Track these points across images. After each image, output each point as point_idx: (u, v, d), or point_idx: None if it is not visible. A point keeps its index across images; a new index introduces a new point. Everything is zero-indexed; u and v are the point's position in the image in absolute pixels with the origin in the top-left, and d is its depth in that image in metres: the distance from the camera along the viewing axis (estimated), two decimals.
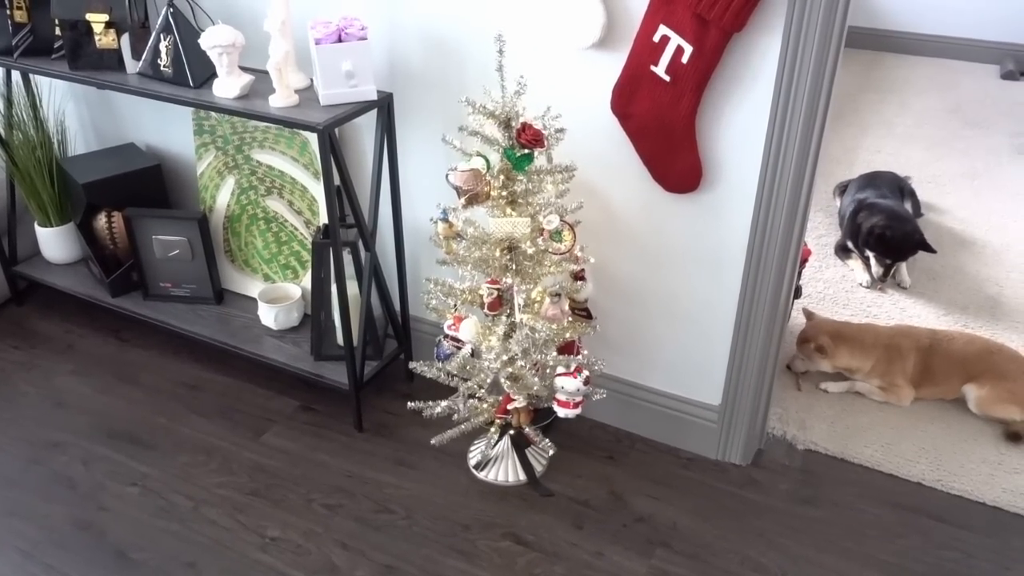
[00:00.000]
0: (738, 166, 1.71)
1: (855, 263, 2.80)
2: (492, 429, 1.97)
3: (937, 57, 4.79)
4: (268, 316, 2.28)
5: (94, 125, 2.64)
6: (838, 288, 2.74)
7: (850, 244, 2.80)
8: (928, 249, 2.63)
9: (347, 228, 2.08)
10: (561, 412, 1.83)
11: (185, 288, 2.41)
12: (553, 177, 1.70)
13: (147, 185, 2.43)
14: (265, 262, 2.39)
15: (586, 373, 1.80)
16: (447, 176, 1.68)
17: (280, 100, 1.83)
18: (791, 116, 1.60)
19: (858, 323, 2.36)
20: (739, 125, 1.67)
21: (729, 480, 2.01)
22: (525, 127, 1.62)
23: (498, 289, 1.76)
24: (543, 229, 1.72)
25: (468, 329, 1.78)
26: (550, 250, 1.71)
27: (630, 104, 1.71)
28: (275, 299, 2.33)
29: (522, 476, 1.99)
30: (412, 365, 1.91)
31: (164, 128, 2.48)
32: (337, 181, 1.89)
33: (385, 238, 2.21)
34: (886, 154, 3.65)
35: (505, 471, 1.99)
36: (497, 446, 2.00)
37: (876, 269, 2.67)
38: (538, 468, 2.01)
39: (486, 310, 1.78)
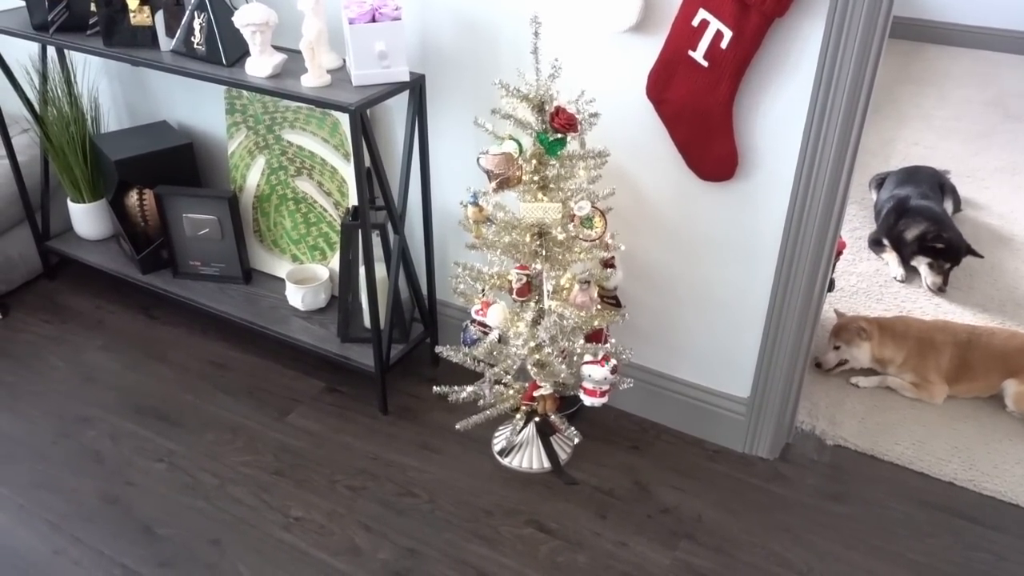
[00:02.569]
0: (775, 155, 1.67)
1: (889, 256, 2.75)
2: (517, 416, 1.96)
3: (977, 48, 4.68)
4: (296, 297, 2.28)
5: (127, 102, 2.65)
6: (871, 282, 2.69)
7: (885, 240, 2.75)
8: (975, 254, 2.57)
9: (376, 210, 2.08)
10: (588, 400, 1.81)
11: (214, 267, 2.42)
12: (585, 163, 1.68)
13: (178, 163, 2.43)
14: (293, 243, 2.39)
15: (613, 362, 1.78)
16: (478, 159, 1.66)
17: (312, 80, 1.82)
18: (832, 105, 1.57)
19: (897, 316, 2.32)
20: (777, 113, 1.63)
21: (756, 474, 1.98)
22: (559, 111, 1.60)
23: (527, 275, 1.74)
24: (574, 215, 1.70)
25: (496, 315, 1.77)
26: (580, 236, 1.69)
27: (666, 89, 1.68)
28: (303, 280, 2.33)
29: (546, 464, 1.98)
30: (438, 349, 1.90)
31: (196, 106, 2.49)
32: (368, 163, 1.88)
33: (414, 221, 2.20)
34: (923, 147, 3.58)
35: (529, 458, 1.98)
36: (522, 433, 1.99)
37: (935, 279, 2.60)
38: (563, 456, 2.00)
39: (514, 296, 1.76)
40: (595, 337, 1.86)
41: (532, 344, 1.76)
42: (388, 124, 2.13)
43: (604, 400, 1.81)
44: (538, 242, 1.71)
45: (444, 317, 2.30)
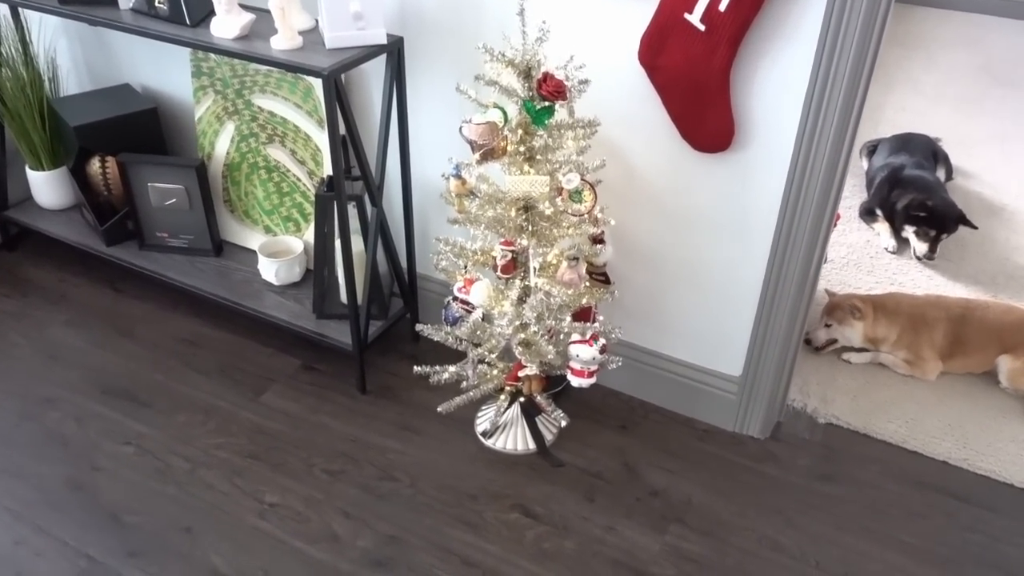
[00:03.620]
0: (774, 126, 1.59)
1: (881, 227, 2.69)
2: (501, 396, 1.89)
3: (965, 11, 4.60)
4: (269, 271, 2.18)
5: (87, 64, 2.51)
6: (862, 254, 2.63)
7: (878, 210, 2.69)
8: (969, 224, 2.52)
9: (352, 181, 1.97)
10: (575, 381, 1.74)
11: (182, 239, 2.31)
12: (575, 132, 1.59)
13: (143, 129, 2.31)
14: (266, 214, 2.29)
15: (602, 341, 1.71)
16: (461, 129, 1.57)
17: (282, 42, 1.70)
18: (835, 72, 1.48)
19: (884, 292, 2.26)
20: (777, 81, 1.55)
21: (747, 454, 1.93)
22: (547, 77, 1.50)
23: (512, 251, 1.65)
24: (562, 188, 1.61)
25: (479, 292, 1.69)
26: (569, 211, 1.61)
27: (659, 55, 1.59)
28: (276, 253, 2.23)
29: (532, 445, 1.91)
30: (419, 327, 1.82)
31: (161, 69, 2.35)
32: (343, 131, 1.77)
33: (393, 193, 2.10)
34: (912, 113, 3.51)
35: (514, 439, 1.92)
36: (506, 413, 1.92)
37: (921, 247, 2.55)
38: (548, 437, 1.94)
39: (499, 273, 1.68)
40: (583, 315, 1.79)
41: (517, 323, 1.68)
42: (365, 89, 2.02)
43: (592, 381, 1.74)
44: (524, 216, 1.63)
45: (425, 292, 2.21)
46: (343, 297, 2.08)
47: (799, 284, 1.73)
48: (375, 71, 1.95)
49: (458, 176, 1.60)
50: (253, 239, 2.32)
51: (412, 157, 2.03)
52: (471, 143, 1.55)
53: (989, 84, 3.79)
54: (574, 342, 1.71)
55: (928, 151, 2.82)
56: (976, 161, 3.15)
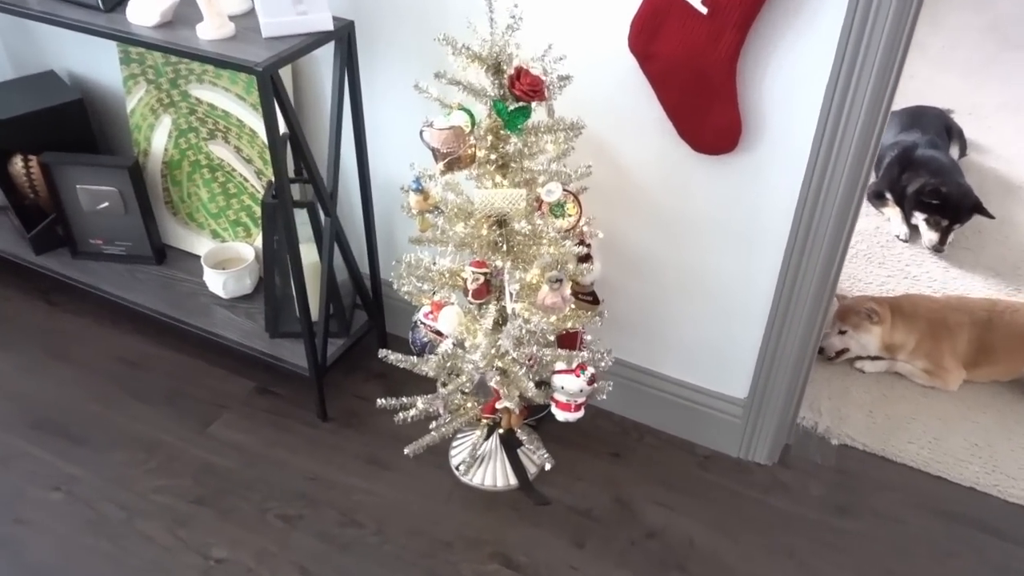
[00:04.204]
0: (788, 122, 1.36)
1: (892, 211, 2.47)
2: (477, 431, 1.68)
3: None
4: (216, 283, 1.94)
5: (7, 48, 2.23)
6: (872, 242, 2.42)
7: (888, 194, 2.47)
8: (986, 213, 2.30)
9: (303, 183, 1.73)
10: (560, 415, 1.53)
11: (119, 245, 2.07)
12: (555, 136, 1.35)
13: (69, 123, 2.04)
14: (212, 217, 2.04)
15: (591, 371, 1.50)
16: (421, 134, 1.33)
17: (210, 31, 1.45)
18: (864, 59, 1.25)
19: (898, 290, 2.05)
20: (792, 71, 1.31)
21: (753, 483, 1.73)
22: (520, 73, 1.26)
23: (485, 273, 1.43)
24: (541, 201, 1.38)
25: (449, 319, 1.46)
26: (550, 230, 1.38)
27: (654, 41, 1.34)
28: (224, 262, 1.99)
29: (513, 480, 1.70)
30: (382, 353, 1.59)
31: (89, 53, 2.08)
32: (285, 129, 1.53)
33: (351, 194, 1.86)
34: (919, 80, 3.27)
35: (493, 474, 1.71)
36: (484, 445, 1.71)
37: (931, 236, 2.33)
38: (531, 469, 1.73)
39: (470, 298, 1.45)
40: (568, 340, 1.57)
41: (492, 352, 1.46)
42: (316, 80, 1.77)
43: (579, 415, 1.53)
44: (498, 232, 1.39)
45: (393, 302, 1.98)
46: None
47: (816, 296, 1.51)
48: (329, 57, 1.69)
49: (420, 190, 1.37)
50: (199, 244, 2.08)
51: (372, 155, 1.78)
52: (434, 151, 1.32)
53: (998, 47, 3.55)
54: (558, 372, 1.50)
55: (941, 126, 2.59)
56: (989, 134, 2.92)
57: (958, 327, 1.90)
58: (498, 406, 1.59)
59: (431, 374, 1.48)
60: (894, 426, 1.84)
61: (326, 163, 1.67)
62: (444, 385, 1.51)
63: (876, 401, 1.90)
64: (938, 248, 2.31)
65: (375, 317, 1.93)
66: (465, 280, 1.44)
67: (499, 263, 1.41)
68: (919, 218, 2.36)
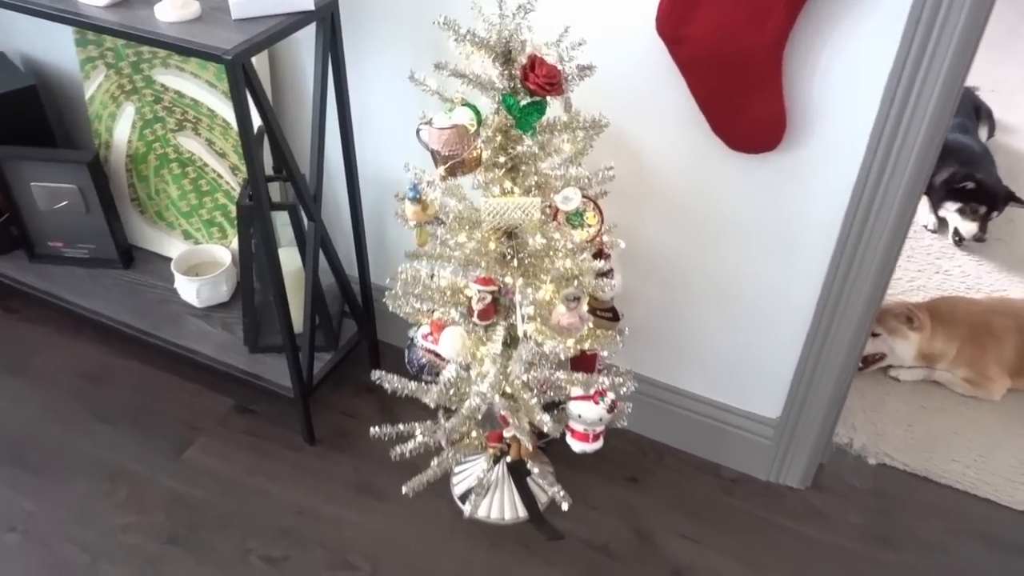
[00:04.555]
0: (841, 116, 1.18)
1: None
2: (483, 458, 1.51)
3: None
4: (188, 291, 1.75)
5: None
6: None
7: None
8: (1020, 202, 2.13)
9: (283, 182, 1.55)
10: (576, 446, 1.36)
11: (81, 248, 1.87)
12: (572, 135, 1.17)
13: (22, 112, 1.83)
14: (184, 216, 1.85)
15: (611, 397, 1.33)
16: (418, 132, 1.14)
17: (171, 12, 1.25)
18: (937, 43, 1.07)
19: (939, 297, 1.88)
20: (851, 57, 1.13)
21: (785, 510, 1.57)
22: (535, 63, 1.07)
23: (492, 291, 1.25)
24: (556, 210, 1.20)
25: (451, 343, 1.28)
26: (567, 241, 1.19)
27: (686, 23, 1.16)
28: (198, 267, 1.80)
29: (521, 512, 1.54)
30: (376, 375, 1.41)
31: (43, 34, 1.87)
32: (260, 122, 1.34)
33: (337, 191, 1.68)
34: None
35: (500, 505, 1.54)
36: (490, 472, 1.54)
37: (969, 227, 2.16)
38: (543, 499, 1.56)
39: (475, 318, 1.27)
40: (585, 362, 1.39)
41: (501, 379, 1.28)
42: (297, 67, 1.57)
43: (598, 445, 1.36)
44: (507, 245, 1.22)
45: (384, 307, 1.79)
46: None
47: (865, 305, 1.34)
48: (310, 41, 1.50)
49: (417, 199, 1.18)
50: (170, 245, 1.89)
51: (360, 148, 1.60)
52: (432, 153, 1.13)
53: (1018, 19, 3.37)
54: (575, 399, 1.33)
55: (970, 107, 2.42)
56: (1014, 112, 2.75)
57: (1004, 332, 1.74)
58: (506, 434, 1.42)
59: (433, 404, 1.31)
60: (935, 442, 1.68)
61: (309, 159, 1.48)
62: (447, 413, 1.34)
63: (914, 414, 1.75)
64: (979, 238, 2.15)
65: (365, 327, 1.75)
66: (470, 299, 1.26)
67: (508, 280, 1.23)
68: (950, 209, 2.19)
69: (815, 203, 1.27)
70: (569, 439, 1.37)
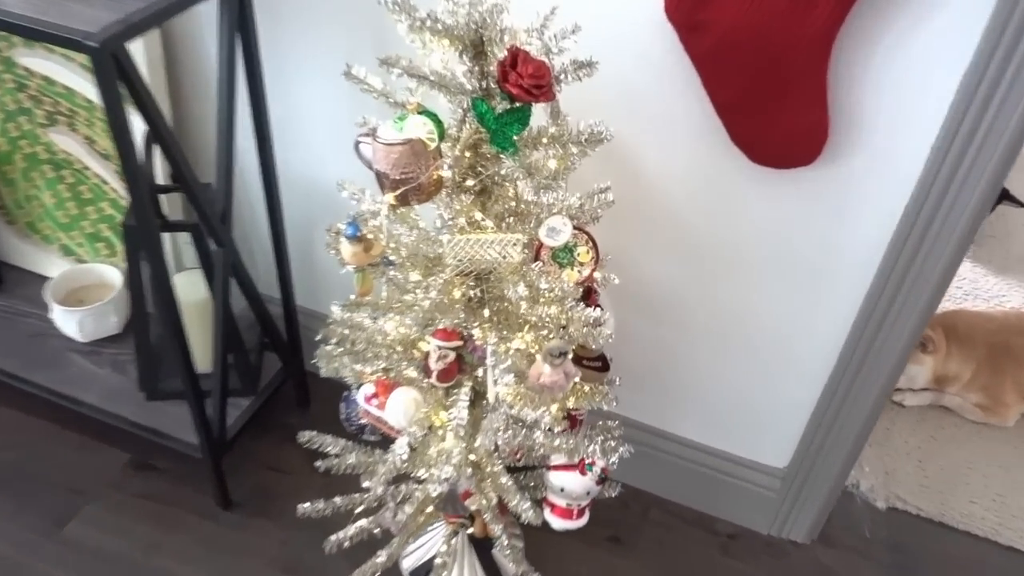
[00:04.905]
0: (900, 125, 0.94)
1: None
2: (440, 528, 1.25)
3: None
4: (68, 323, 1.43)
5: None
6: None
7: None
8: (1015, 202, 1.95)
9: (173, 190, 1.23)
10: (558, 524, 1.12)
11: None
12: (562, 151, 0.89)
13: None
14: (61, 228, 1.51)
15: (600, 465, 1.07)
16: (357, 147, 0.86)
17: None
18: None
19: (954, 310, 1.68)
20: (917, 54, 0.89)
21: (792, 571, 1.36)
22: (517, 58, 0.79)
23: (456, 348, 0.97)
24: (539, 246, 0.93)
25: (401, 408, 1.00)
26: (554, 286, 0.92)
27: (706, 4, 0.90)
28: (82, 290, 1.47)
29: None
30: (302, 437, 1.14)
31: None
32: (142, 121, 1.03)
33: (254, 200, 1.37)
34: None
35: None
36: (449, 546, 1.28)
37: None
38: (510, 571, 1.31)
39: (434, 380, 0.99)
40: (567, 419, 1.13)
41: (466, 458, 1.02)
42: (199, 50, 1.25)
43: (582, 522, 1.12)
44: (476, 290, 0.94)
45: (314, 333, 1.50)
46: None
47: (905, 344, 1.12)
48: (213, 17, 1.18)
49: (357, 238, 0.89)
50: (48, 263, 1.55)
51: (284, 147, 1.29)
52: (380, 176, 0.84)
53: None
54: (555, 468, 1.07)
55: None
56: None
57: (1023, 353, 1.56)
58: (469, 504, 1.16)
59: (379, 490, 1.03)
60: (950, 480, 1.49)
61: (216, 164, 1.17)
62: (397, 491, 1.07)
63: (924, 445, 1.55)
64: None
65: (290, 363, 1.46)
66: (425, 354, 0.99)
67: (477, 333, 0.96)
68: None
69: (854, 228, 1.03)
70: (548, 515, 1.11)
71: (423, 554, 1.29)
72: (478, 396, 1.04)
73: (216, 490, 1.36)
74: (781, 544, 1.40)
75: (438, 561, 1.23)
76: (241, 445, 1.44)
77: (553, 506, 1.11)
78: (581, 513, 1.11)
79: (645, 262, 1.18)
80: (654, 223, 1.13)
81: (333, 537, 1.09)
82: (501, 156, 0.86)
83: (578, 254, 0.95)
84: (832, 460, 1.27)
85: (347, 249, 0.89)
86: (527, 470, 1.17)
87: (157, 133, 1.03)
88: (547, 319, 0.94)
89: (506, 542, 1.18)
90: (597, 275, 1.02)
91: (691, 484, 1.40)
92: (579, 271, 0.96)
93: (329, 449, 1.16)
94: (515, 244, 0.87)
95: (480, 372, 1.01)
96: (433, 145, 0.82)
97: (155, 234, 1.07)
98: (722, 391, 1.28)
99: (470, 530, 1.25)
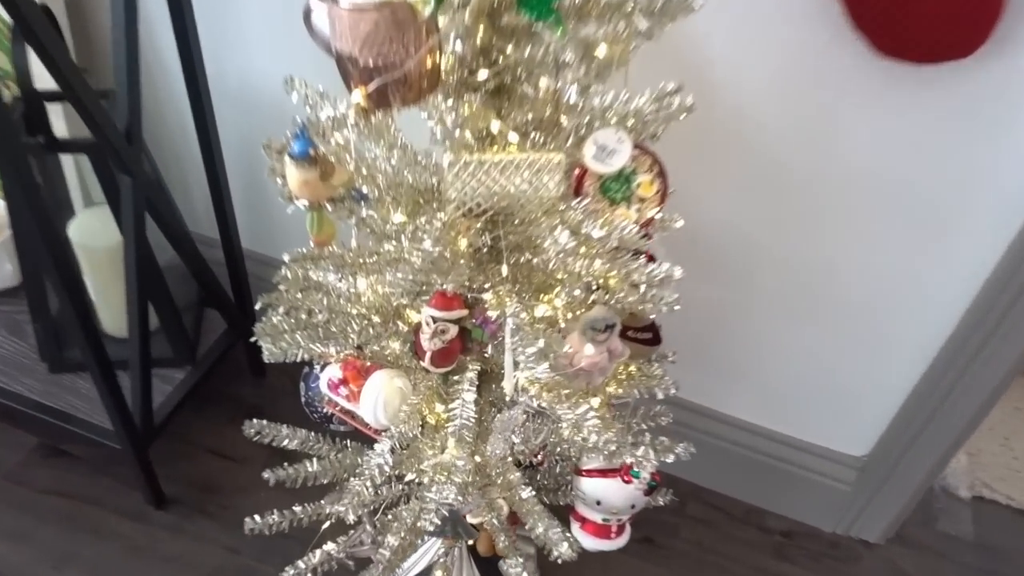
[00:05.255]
0: None
1: None
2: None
3: None
4: None
5: None
6: None
7: None
8: None
9: (57, 98, 0.91)
10: (590, 544, 0.85)
11: None
12: (624, 23, 0.58)
13: None
14: None
15: (649, 469, 0.79)
16: (308, 18, 0.54)
17: None
18: None
19: None
20: None
21: None
22: None
23: (459, 319, 0.68)
24: (584, 171, 0.63)
25: (380, 400, 0.71)
26: (608, 223, 0.62)
27: None
28: None
29: None
30: (249, 429, 0.86)
31: None
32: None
33: (183, 110, 1.05)
34: None
35: None
36: (446, 555, 1.01)
37: None
38: None
39: (427, 362, 0.70)
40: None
41: (471, 468, 0.73)
42: None
43: (622, 541, 0.85)
44: (485, 239, 0.64)
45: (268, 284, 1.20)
46: (103, 325, 1.07)
47: None
48: None
49: (307, 157, 0.58)
50: None
51: (215, 43, 0.97)
52: (343, 61, 0.53)
53: None
54: (587, 473, 0.80)
55: None
56: None
57: None
58: (471, 519, 0.88)
59: (358, 514, 0.74)
60: None
61: (113, 64, 0.85)
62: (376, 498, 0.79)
63: (1009, 421, 1.30)
64: None
65: (237, 321, 1.15)
66: (416, 328, 0.69)
67: (489, 298, 0.66)
68: None
69: (1011, 157, 0.74)
70: (577, 531, 0.85)
71: (417, 564, 1.02)
72: (484, 381, 0.76)
73: (144, 487, 1.07)
74: (849, 545, 1.14)
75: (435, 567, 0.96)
76: (177, 426, 1.15)
77: (584, 520, 0.84)
78: (621, 530, 0.85)
79: (708, 202, 0.88)
80: (726, 147, 0.84)
81: (303, 563, 0.81)
82: (533, 29, 0.55)
83: (638, 184, 0.65)
84: (927, 450, 1.01)
85: (295, 176, 0.59)
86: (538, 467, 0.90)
87: (20, 19, 0.70)
88: (589, 275, 0.65)
89: (520, 563, 0.92)
90: (657, 215, 0.72)
91: (740, 473, 1.13)
92: (636, 209, 0.66)
93: (285, 443, 0.88)
94: (553, 169, 0.57)
95: (490, 350, 0.72)
96: (427, 10, 0.51)
97: (19, 154, 0.77)
98: (791, 367, 1.00)
99: (470, 541, 0.98)
